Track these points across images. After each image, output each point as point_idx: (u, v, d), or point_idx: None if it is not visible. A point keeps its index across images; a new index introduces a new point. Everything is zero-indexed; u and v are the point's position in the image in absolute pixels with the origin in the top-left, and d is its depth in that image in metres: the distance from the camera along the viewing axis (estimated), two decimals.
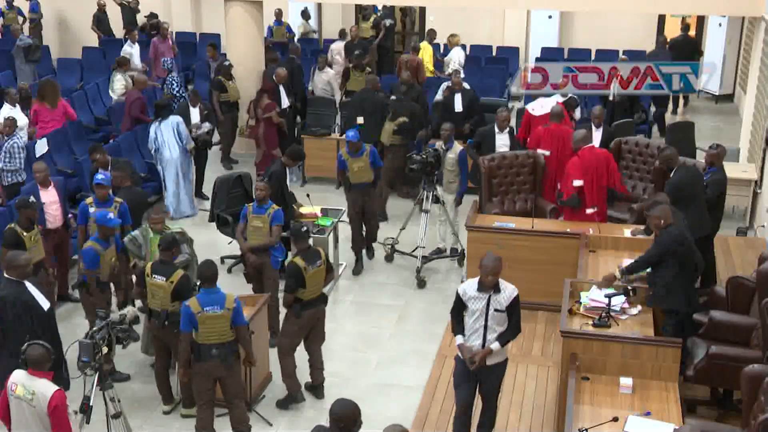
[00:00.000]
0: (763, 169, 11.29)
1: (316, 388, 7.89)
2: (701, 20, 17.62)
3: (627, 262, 7.70)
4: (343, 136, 12.61)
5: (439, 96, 13.70)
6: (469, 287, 6.56)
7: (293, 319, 7.54)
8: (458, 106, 12.26)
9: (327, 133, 13.00)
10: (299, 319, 7.52)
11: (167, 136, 11.60)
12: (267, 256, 8.58)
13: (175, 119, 11.73)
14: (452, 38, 15.82)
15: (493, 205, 10.17)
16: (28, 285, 7.01)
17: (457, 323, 6.67)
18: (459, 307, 6.63)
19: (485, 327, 6.48)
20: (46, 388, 5.60)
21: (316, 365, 7.84)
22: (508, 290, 6.50)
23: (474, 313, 6.50)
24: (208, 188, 11.90)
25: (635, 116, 13.16)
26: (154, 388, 7.75)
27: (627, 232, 8.89)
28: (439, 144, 10.31)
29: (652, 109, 14.97)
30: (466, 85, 12.92)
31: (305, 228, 7.70)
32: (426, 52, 15.53)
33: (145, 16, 18.09)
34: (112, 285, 8.15)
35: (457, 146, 10.35)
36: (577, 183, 9.39)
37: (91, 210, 8.47)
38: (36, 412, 5.60)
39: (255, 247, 8.55)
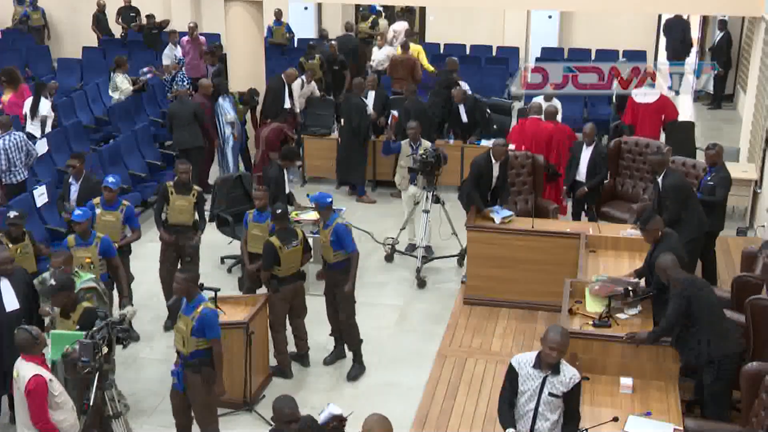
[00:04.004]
0: (763, 169, 11.28)
1: (302, 356, 8.28)
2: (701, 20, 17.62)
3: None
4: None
5: None
6: (525, 361, 5.60)
7: (273, 295, 7.93)
8: (464, 117, 12.40)
9: (327, 133, 13.00)
10: (278, 293, 7.90)
11: (229, 113, 11.96)
12: None
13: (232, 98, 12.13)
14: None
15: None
16: (2, 282, 7.00)
17: (509, 407, 5.65)
18: (513, 385, 5.61)
19: (535, 412, 5.52)
20: (27, 371, 5.84)
21: (300, 336, 8.24)
22: (569, 374, 5.55)
23: (524, 393, 5.57)
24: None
25: None
26: (155, 389, 7.79)
27: (626, 232, 8.87)
28: (405, 142, 10.35)
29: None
30: (465, 85, 12.94)
31: (281, 210, 7.92)
32: (419, 52, 15.46)
33: (146, 16, 18.06)
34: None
35: (426, 143, 10.34)
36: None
37: (98, 211, 8.44)
38: (21, 394, 5.87)
39: (256, 254, 8.27)
